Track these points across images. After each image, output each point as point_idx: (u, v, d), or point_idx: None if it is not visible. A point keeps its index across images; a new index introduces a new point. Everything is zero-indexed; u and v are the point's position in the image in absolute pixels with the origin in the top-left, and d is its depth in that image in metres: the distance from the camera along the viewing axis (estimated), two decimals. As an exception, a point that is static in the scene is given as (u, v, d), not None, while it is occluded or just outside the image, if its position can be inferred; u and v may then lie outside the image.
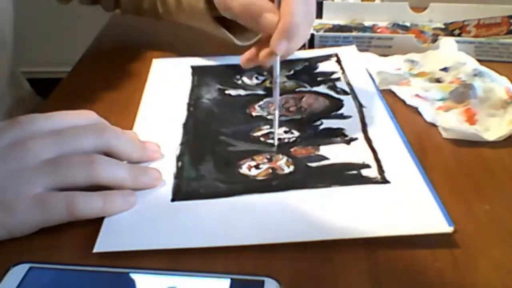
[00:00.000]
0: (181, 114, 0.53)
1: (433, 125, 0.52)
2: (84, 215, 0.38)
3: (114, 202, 0.39)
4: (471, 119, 0.51)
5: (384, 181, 0.43)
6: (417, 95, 0.56)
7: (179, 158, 0.46)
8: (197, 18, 0.61)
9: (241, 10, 0.50)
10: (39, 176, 0.38)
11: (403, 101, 0.56)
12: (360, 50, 0.66)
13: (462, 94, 0.54)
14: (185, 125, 0.52)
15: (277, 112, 0.49)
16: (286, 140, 0.49)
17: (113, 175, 0.40)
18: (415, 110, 0.54)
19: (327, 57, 0.65)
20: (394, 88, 0.58)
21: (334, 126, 0.51)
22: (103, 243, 0.37)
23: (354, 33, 0.73)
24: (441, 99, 0.55)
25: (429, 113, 0.53)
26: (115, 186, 0.40)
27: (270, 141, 0.49)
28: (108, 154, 0.41)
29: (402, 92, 0.57)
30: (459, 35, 0.72)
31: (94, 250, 0.36)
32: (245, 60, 0.53)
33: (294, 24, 0.47)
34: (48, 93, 0.61)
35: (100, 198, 0.39)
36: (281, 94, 0.57)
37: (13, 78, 0.65)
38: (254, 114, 0.54)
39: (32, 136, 0.40)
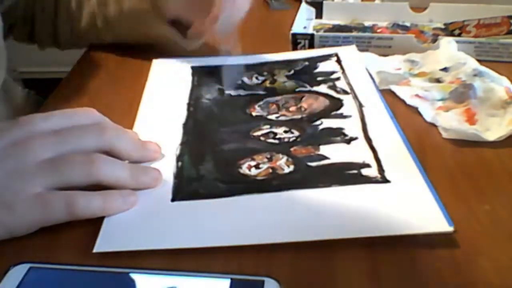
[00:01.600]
0: (181, 114, 0.53)
1: (433, 125, 0.52)
2: (84, 214, 0.38)
3: (114, 202, 0.39)
4: (471, 119, 0.51)
5: (384, 180, 0.43)
6: (417, 95, 0.56)
7: (179, 158, 0.46)
8: (141, 22, 0.64)
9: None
10: (39, 175, 0.38)
11: (403, 101, 0.56)
12: (360, 50, 0.66)
13: (462, 94, 0.54)
14: (185, 125, 0.52)
15: None
16: (286, 140, 0.49)
17: (113, 175, 0.40)
18: (415, 110, 0.54)
19: (327, 57, 0.65)
20: (394, 88, 0.58)
21: (334, 126, 0.51)
22: (103, 243, 0.37)
23: (354, 33, 0.73)
24: (441, 99, 0.55)
25: (429, 113, 0.53)
26: (115, 186, 0.40)
27: (270, 140, 0.49)
28: (108, 153, 0.42)
29: (402, 92, 0.57)
30: (459, 35, 0.72)
31: (94, 250, 0.36)
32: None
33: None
34: (48, 93, 0.61)
35: (100, 198, 0.39)
36: (281, 94, 0.57)
37: (6, 85, 0.65)
38: (254, 114, 0.54)
39: (32, 136, 0.40)
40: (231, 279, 0.32)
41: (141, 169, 0.43)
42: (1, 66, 0.59)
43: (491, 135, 0.49)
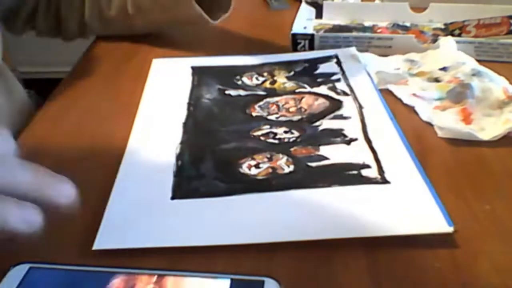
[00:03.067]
0: (181, 114, 0.53)
1: (430, 124, 0.52)
2: None
3: (5, 214, 0.29)
4: (467, 119, 0.51)
5: (384, 181, 0.43)
6: (414, 94, 0.56)
7: (179, 157, 0.46)
8: (177, 8, 0.66)
9: None
10: None
11: (401, 101, 0.56)
12: (360, 51, 0.66)
13: (459, 94, 0.55)
14: (185, 125, 0.52)
15: None
16: (286, 140, 0.49)
17: (7, 178, 0.30)
18: (412, 109, 0.54)
19: (327, 59, 0.65)
20: (391, 87, 0.58)
21: (334, 127, 0.51)
22: (103, 240, 0.37)
23: (355, 33, 0.73)
24: (439, 99, 0.56)
25: (425, 112, 0.53)
26: (10, 193, 0.30)
27: (270, 140, 0.49)
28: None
29: (399, 91, 0.57)
30: (459, 35, 0.72)
31: (94, 247, 0.36)
32: None
33: None
34: (48, 93, 0.61)
35: None
36: (281, 95, 0.57)
37: (4, 76, 0.64)
38: (254, 114, 0.54)
39: None
40: (231, 279, 0.32)
41: (51, 180, 0.32)
42: None
43: (486, 135, 0.49)
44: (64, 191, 0.32)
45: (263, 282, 0.32)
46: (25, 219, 0.30)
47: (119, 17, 0.70)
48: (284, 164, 0.45)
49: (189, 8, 0.66)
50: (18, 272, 0.33)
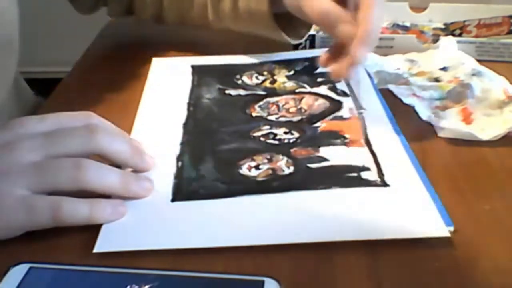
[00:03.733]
0: (181, 114, 0.53)
1: (430, 125, 0.52)
2: (69, 221, 0.37)
3: (101, 211, 0.38)
4: (467, 119, 0.51)
5: (384, 184, 0.42)
6: (414, 94, 0.56)
7: (179, 158, 0.46)
8: (255, 22, 0.63)
9: (318, 19, 0.53)
10: (24, 178, 0.37)
11: (401, 100, 0.56)
12: (361, 50, 0.66)
13: (459, 94, 0.55)
14: (185, 125, 0.52)
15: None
16: (286, 141, 0.49)
17: (101, 181, 0.39)
18: (413, 110, 0.54)
19: (327, 57, 0.64)
20: (391, 87, 0.58)
21: (334, 128, 0.51)
22: (103, 243, 0.37)
23: (355, 33, 0.73)
24: (439, 99, 0.56)
25: (425, 112, 0.53)
26: (104, 192, 0.39)
27: (270, 141, 0.49)
28: (101, 157, 0.40)
29: (399, 91, 0.57)
30: (459, 35, 0.72)
31: (94, 250, 0.36)
32: (323, 62, 0.54)
33: (373, 31, 0.49)
34: (48, 93, 0.61)
35: (87, 205, 0.38)
36: (281, 95, 0.57)
37: (16, 81, 0.65)
38: (254, 114, 0.54)
39: (22, 139, 0.39)
40: (231, 279, 0.32)
41: (132, 177, 0.41)
42: (13, 58, 0.58)
43: (486, 135, 0.49)
44: (145, 186, 0.41)
45: (263, 282, 0.32)
46: (116, 211, 0.39)
47: (198, 19, 0.68)
48: (284, 166, 0.45)
49: (269, 28, 0.63)
50: (18, 272, 0.33)
